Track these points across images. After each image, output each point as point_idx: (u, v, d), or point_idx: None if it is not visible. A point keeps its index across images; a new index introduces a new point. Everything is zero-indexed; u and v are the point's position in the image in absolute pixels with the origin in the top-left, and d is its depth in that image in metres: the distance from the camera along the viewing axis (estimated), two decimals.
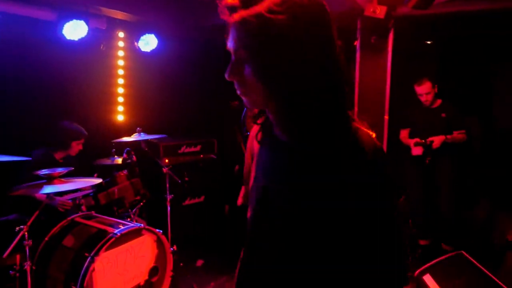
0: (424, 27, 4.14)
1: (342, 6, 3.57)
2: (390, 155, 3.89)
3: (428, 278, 3.20)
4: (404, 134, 3.99)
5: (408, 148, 3.89)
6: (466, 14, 3.68)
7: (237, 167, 5.31)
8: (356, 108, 3.90)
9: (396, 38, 3.68)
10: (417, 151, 3.75)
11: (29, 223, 2.39)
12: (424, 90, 3.80)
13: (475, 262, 2.95)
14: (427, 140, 3.71)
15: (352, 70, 3.90)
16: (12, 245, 2.32)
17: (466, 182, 4.41)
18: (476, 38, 4.37)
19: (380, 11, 3.23)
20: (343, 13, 3.54)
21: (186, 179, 4.05)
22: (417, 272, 3.31)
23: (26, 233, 2.38)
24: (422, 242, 3.99)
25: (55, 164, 3.16)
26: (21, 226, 2.37)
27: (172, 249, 3.03)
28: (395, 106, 3.80)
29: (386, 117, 3.77)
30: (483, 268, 2.89)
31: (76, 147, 3.37)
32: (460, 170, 3.97)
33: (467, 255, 3.22)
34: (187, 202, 4.40)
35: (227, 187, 4.90)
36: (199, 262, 3.83)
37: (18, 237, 2.35)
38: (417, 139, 3.78)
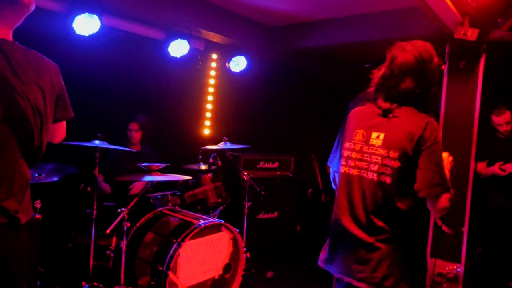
0: None
1: (430, 30, 3.58)
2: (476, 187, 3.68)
3: None
4: (482, 165, 3.75)
5: (492, 178, 3.67)
6: None
7: (310, 190, 5.36)
8: (440, 135, 3.77)
9: (487, 63, 3.56)
10: None
11: (129, 207, 2.70)
12: (504, 120, 3.65)
13: None
14: None
15: (438, 95, 3.83)
16: (114, 224, 2.62)
17: None
18: None
19: (471, 34, 3.18)
20: (431, 37, 3.53)
21: (262, 193, 4.17)
22: None
23: (126, 215, 2.68)
24: None
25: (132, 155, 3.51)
26: (122, 209, 2.69)
27: (245, 255, 3.15)
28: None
29: (474, 148, 3.60)
30: None
31: (131, 127, 3.66)
32: None
33: None
34: (261, 215, 4.54)
35: (300, 206, 4.97)
36: (269, 274, 3.89)
37: (120, 217, 2.65)
38: (501, 162, 3.56)
